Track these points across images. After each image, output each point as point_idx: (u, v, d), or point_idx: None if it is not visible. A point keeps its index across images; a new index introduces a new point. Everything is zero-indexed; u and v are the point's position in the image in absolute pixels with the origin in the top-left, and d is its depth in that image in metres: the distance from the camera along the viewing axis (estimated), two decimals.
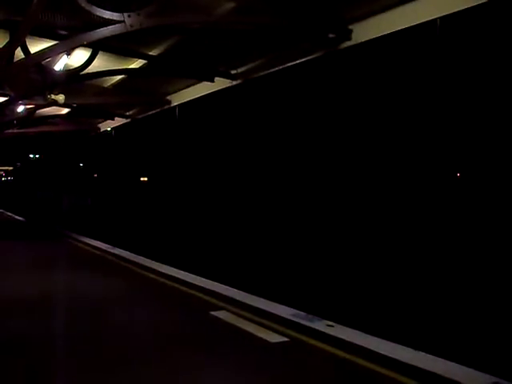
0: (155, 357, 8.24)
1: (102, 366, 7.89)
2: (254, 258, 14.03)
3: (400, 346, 8.08)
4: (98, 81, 17.51)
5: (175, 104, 19.29)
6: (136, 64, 15.70)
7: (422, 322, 8.96)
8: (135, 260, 18.23)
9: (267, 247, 13.85)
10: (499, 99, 9.10)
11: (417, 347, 7.86)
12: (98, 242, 23.92)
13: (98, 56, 13.68)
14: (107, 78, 17.29)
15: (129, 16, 9.85)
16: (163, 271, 15.69)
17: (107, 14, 9.83)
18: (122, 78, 17.33)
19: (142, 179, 24.60)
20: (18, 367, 7.80)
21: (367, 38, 10.91)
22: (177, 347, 8.83)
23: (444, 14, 9.48)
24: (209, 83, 16.15)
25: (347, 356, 8.16)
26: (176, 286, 14.12)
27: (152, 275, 15.82)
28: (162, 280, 15.00)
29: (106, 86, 18.50)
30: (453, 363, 7.22)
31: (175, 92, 18.91)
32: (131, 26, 9.87)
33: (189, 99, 18.15)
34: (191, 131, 19.18)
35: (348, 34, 11.11)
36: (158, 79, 17.48)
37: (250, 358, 8.32)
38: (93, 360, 8.12)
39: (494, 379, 6.51)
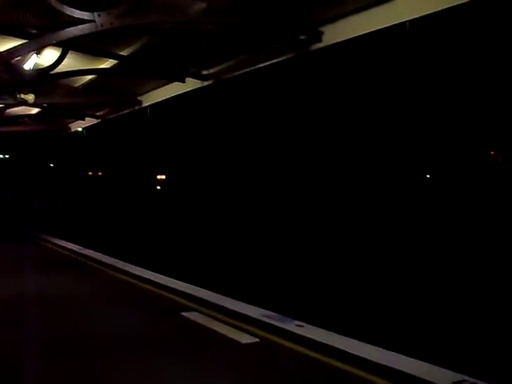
0: (122, 358, 8.19)
1: (64, 367, 7.80)
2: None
3: (369, 346, 8.13)
4: (69, 80, 17.37)
5: (146, 104, 19.20)
6: (107, 64, 15.60)
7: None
8: (106, 261, 18.07)
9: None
10: (467, 99, 9.25)
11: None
12: (69, 244, 23.69)
13: (69, 55, 13.57)
14: (78, 77, 17.16)
15: (99, 15, 9.79)
16: (134, 272, 15.57)
17: (77, 14, 9.76)
18: (93, 78, 17.22)
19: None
20: None
21: (338, 40, 10.98)
22: (145, 348, 8.75)
23: (413, 17, 9.60)
24: (180, 84, 16.10)
25: (316, 355, 8.19)
26: (147, 287, 14.03)
27: (123, 276, 15.69)
28: (133, 281, 14.89)
29: (76, 85, 18.35)
30: (421, 362, 7.29)
31: (146, 92, 18.83)
32: (101, 25, 9.81)
33: (160, 100, 18.08)
34: (163, 131, 19.12)
35: (319, 36, 11.17)
36: (128, 79, 17.40)
37: (221, 358, 8.30)
38: (58, 362, 8.03)
39: (460, 377, 6.60)
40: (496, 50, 9.42)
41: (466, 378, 6.58)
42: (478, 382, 6.48)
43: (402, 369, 7.05)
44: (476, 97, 9.63)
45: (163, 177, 20.61)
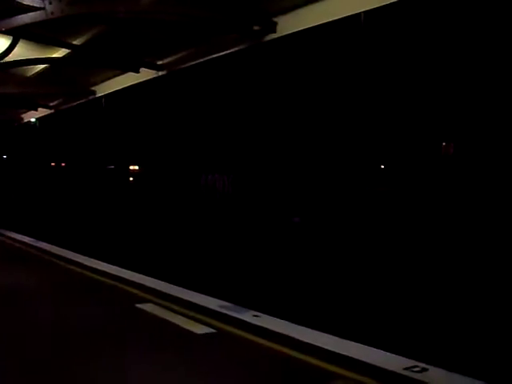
0: (75, 351, 8.09)
1: (15, 361, 7.66)
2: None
3: (325, 335, 8.21)
4: (20, 70, 17.05)
5: (100, 95, 18.96)
6: (59, 53, 15.33)
7: None
8: (60, 254, 17.82)
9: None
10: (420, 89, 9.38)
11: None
12: (21, 236, 23.30)
13: (20, 44, 13.29)
14: (30, 66, 16.83)
15: (50, 3, 9.59)
16: (89, 264, 15.40)
17: (27, 0, 9.54)
18: (46, 67, 16.91)
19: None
20: None
21: (292, 31, 10.99)
22: (98, 341, 8.66)
23: (368, 8, 9.67)
24: (134, 74, 15.94)
25: (272, 345, 8.23)
26: (101, 279, 13.88)
27: (77, 268, 15.50)
28: (88, 273, 14.72)
29: (28, 75, 18.01)
30: (374, 349, 7.41)
31: (100, 82, 18.60)
32: (52, 13, 9.62)
33: (114, 90, 17.89)
34: (117, 121, 18.93)
35: (273, 27, 11.17)
36: (82, 69, 17.14)
37: (176, 350, 8.27)
38: (7, 355, 7.89)
39: (412, 362, 6.73)
40: (450, 41, 9.56)
41: (418, 363, 6.71)
42: (430, 367, 6.60)
43: (354, 356, 7.14)
44: (429, 87, 9.77)
45: (136, 167, 20.16)
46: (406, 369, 6.56)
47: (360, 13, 9.90)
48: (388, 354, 7.20)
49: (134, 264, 14.25)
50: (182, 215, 15.78)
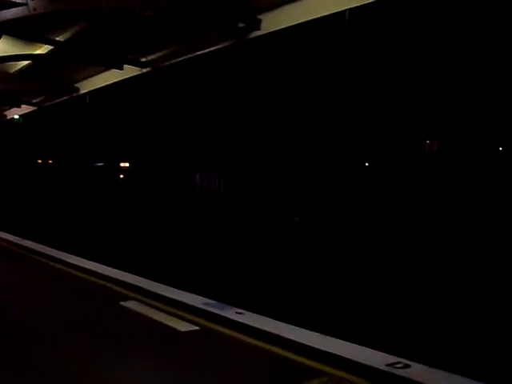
0: (60, 348, 8.05)
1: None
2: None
3: (308, 331, 8.22)
4: (3, 66, 16.93)
5: (84, 92, 18.87)
6: (42, 50, 15.22)
7: None
8: (46, 252, 17.72)
9: None
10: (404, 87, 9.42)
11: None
12: (6, 234, 23.13)
13: (2, 40, 13.19)
14: (12, 63, 16.70)
15: None
16: (73, 262, 15.32)
17: None
18: (29, 63, 16.78)
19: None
20: None
21: (276, 28, 10.99)
22: (83, 338, 8.63)
23: (353, 5, 9.69)
24: (118, 71, 15.88)
25: (255, 342, 8.24)
26: (86, 276, 13.82)
27: (61, 266, 15.43)
28: (71, 271, 14.66)
29: (11, 71, 17.87)
30: (357, 345, 7.43)
31: (83, 79, 18.50)
32: (34, 9, 9.55)
33: (97, 87, 17.81)
34: (108, 118, 18.84)
35: (257, 24, 11.16)
36: (65, 66, 17.03)
37: (160, 347, 8.25)
38: None
39: (395, 359, 6.76)
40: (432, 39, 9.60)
41: (401, 359, 6.74)
42: (412, 363, 6.64)
43: (338, 353, 7.16)
44: (413, 86, 9.82)
45: (126, 164, 19.89)
46: (388, 365, 6.59)
47: (345, 10, 9.91)
48: (372, 350, 7.22)
49: (124, 263, 14.18)
50: (176, 215, 15.67)
